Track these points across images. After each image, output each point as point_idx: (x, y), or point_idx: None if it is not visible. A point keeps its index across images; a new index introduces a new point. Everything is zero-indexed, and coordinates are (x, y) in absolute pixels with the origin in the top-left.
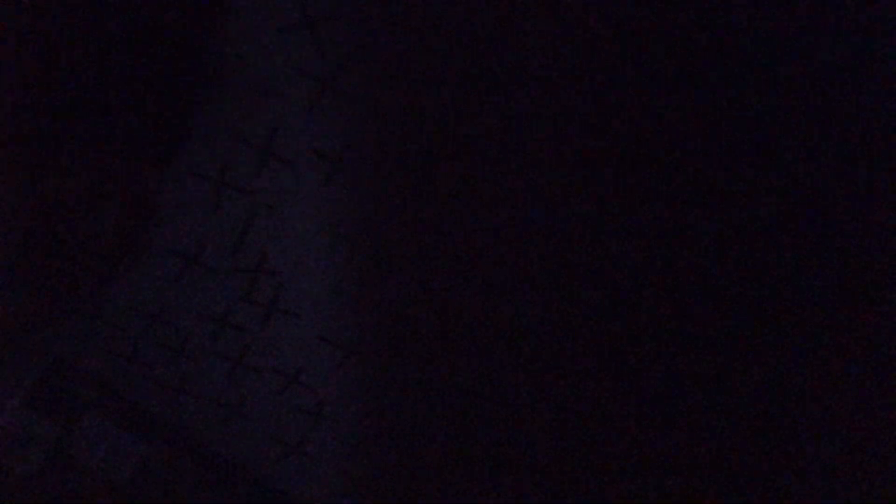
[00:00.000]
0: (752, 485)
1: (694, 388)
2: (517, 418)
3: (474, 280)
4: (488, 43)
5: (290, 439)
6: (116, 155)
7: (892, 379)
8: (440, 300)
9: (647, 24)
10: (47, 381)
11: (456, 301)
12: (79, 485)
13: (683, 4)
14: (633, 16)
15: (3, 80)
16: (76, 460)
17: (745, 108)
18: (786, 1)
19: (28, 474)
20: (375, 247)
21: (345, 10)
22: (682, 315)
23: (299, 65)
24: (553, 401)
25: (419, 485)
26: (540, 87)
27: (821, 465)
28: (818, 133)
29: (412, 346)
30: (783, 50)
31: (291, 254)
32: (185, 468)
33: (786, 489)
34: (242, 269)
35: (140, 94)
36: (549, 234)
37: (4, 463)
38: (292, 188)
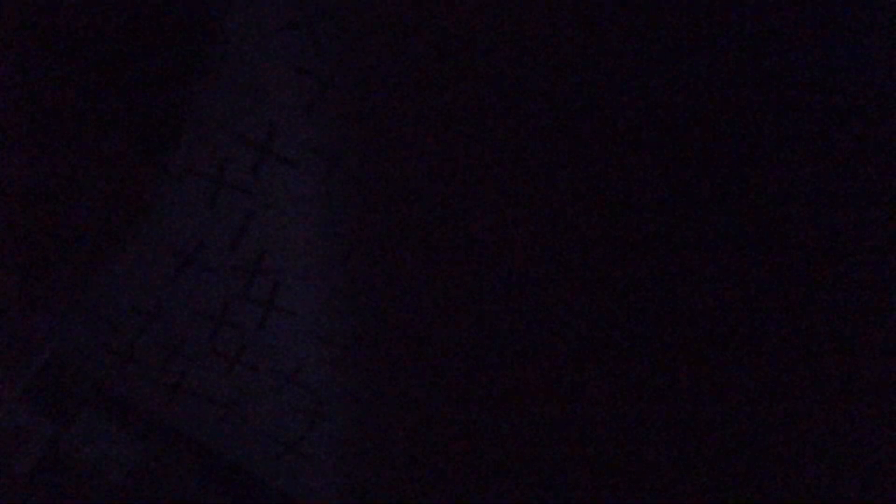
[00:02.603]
0: (753, 485)
1: (695, 388)
2: (516, 417)
3: (473, 279)
4: (487, 41)
5: (287, 438)
6: (104, 144)
7: (892, 380)
8: (438, 299)
9: (647, 25)
10: (44, 379)
11: (453, 300)
12: (74, 483)
13: (684, 5)
14: (633, 17)
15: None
16: (72, 458)
17: (750, 109)
18: (788, 1)
19: (24, 472)
20: (373, 246)
21: (343, 9)
22: (682, 315)
23: (298, 63)
24: (553, 399)
25: (416, 484)
26: (540, 86)
27: (821, 466)
28: (821, 134)
29: (409, 345)
30: (786, 49)
31: (289, 252)
32: (182, 466)
33: (786, 489)
34: (240, 268)
35: (133, 83)
36: (550, 233)
37: (1, 461)
38: (290, 187)
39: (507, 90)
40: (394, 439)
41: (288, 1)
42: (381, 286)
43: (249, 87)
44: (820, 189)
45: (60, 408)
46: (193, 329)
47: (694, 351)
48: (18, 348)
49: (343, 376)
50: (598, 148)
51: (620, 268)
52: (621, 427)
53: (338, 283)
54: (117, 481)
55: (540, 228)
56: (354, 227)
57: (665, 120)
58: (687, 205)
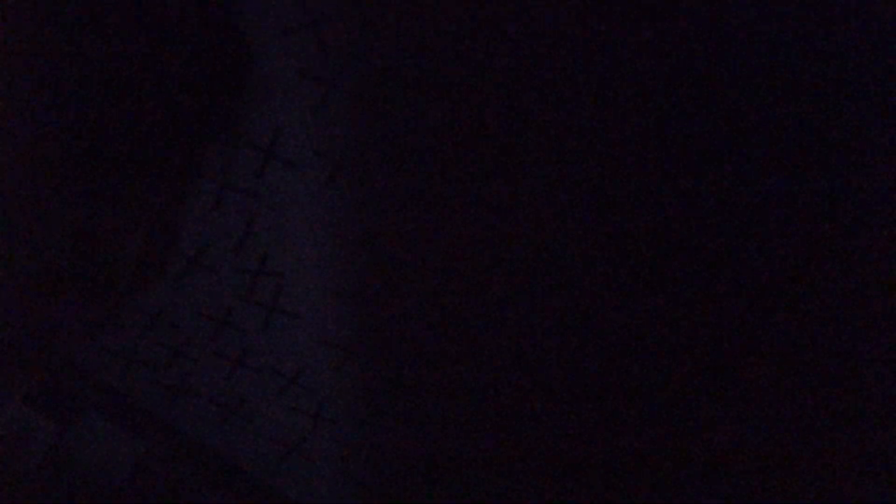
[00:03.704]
0: (755, 486)
1: (696, 389)
2: (519, 420)
3: (477, 283)
4: (493, 44)
5: (290, 440)
6: (142, 186)
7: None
8: (442, 303)
9: (647, 24)
10: (46, 380)
11: (458, 304)
12: (77, 484)
13: (684, 5)
14: (633, 16)
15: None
16: (74, 459)
17: (749, 110)
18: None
19: (26, 473)
20: (377, 249)
21: (348, 12)
22: (684, 315)
23: (302, 66)
24: (556, 403)
25: (418, 487)
26: (544, 88)
27: (824, 466)
28: (821, 134)
29: (413, 349)
30: (786, 48)
31: (293, 255)
32: (184, 468)
33: (788, 490)
34: (243, 270)
35: (160, 123)
36: (553, 236)
37: (3, 461)
38: (295, 190)
39: (516, 92)
40: (397, 442)
41: (292, 4)
42: (385, 289)
43: (254, 91)
44: (824, 188)
45: (63, 408)
46: (196, 331)
47: (695, 351)
48: (26, 354)
49: (346, 379)
50: (609, 150)
51: (628, 270)
52: (628, 429)
53: (342, 286)
54: (120, 482)
55: (547, 232)
56: (359, 230)
57: (670, 120)
58: (692, 204)
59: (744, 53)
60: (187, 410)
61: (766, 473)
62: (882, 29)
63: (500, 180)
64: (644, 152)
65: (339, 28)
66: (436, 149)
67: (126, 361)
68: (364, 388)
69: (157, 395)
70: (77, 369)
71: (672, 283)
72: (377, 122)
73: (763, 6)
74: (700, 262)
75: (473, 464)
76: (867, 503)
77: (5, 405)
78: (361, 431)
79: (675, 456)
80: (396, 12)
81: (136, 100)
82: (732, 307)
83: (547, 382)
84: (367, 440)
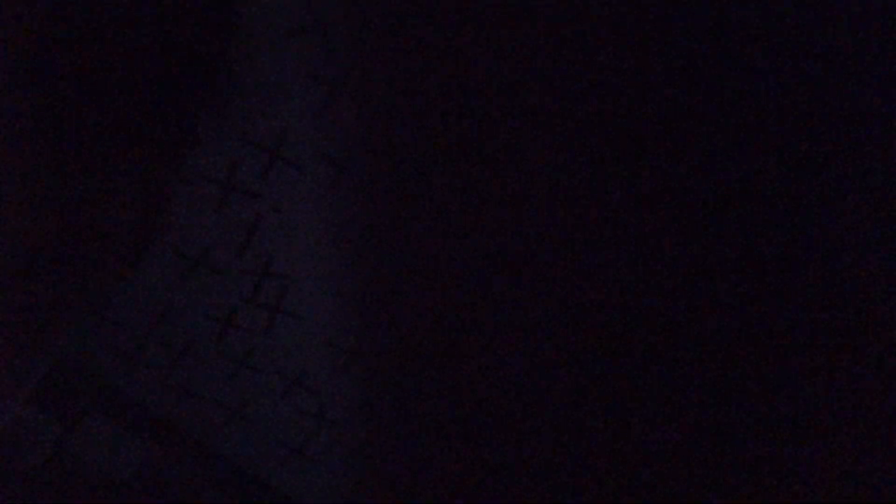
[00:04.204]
0: (754, 486)
1: (698, 388)
2: (522, 423)
3: (481, 284)
4: (499, 46)
5: (293, 442)
6: (131, 156)
7: (892, 380)
8: (446, 304)
9: (649, 22)
10: (50, 380)
11: (462, 305)
12: (80, 484)
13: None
14: (635, 15)
15: (17, 80)
16: (78, 459)
17: (751, 107)
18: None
19: (30, 473)
20: (382, 251)
21: (354, 14)
22: (685, 314)
23: (308, 68)
24: (559, 405)
25: (421, 489)
26: (548, 87)
27: (822, 466)
28: (822, 132)
29: (417, 351)
30: (787, 46)
31: (298, 257)
32: (188, 469)
33: (787, 489)
34: (248, 272)
35: (150, 95)
36: (559, 236)
37: (6, 461)
38: (300, 191)
39: (521, 91)
40: (400, 443)
41: (298, 5)
42: (389, 291)
43: (259, 92)
44: (826, 187)
45: (67, 409)
46: (200, 332)
47: (699, 350)
48: (28, 351)
49: (350, 380)
50: (613, 149)
51: (633, 270)
52: (632, 432)
53: (345, 288)
54: (123, 482)
55: (553, 232)
56: (363, 232)
57: (668, 121)
58: (690, 205)
59: (745, 52)
60: (191, 411)
61: (771, 474)
62: (882, 29)
63: (506, 181)
64: (644, 153)
65: (346, 30)
66: (441, 150)
67: (130, 362)
68: (368, 389)
69: (161, 396)
70: (81, 370)
71: (675, 282)
72: (383, 124)
73: (763, 6)
74: (704, 260)
75: (477, 466)
76: (867, 503)
77: (9, 405)
78: (365, 433)
79: (678, 457)
80: (401, 13)
81: (126, 73)
82: (736, 306)
83: (553, 384)
84: (370, 442)
